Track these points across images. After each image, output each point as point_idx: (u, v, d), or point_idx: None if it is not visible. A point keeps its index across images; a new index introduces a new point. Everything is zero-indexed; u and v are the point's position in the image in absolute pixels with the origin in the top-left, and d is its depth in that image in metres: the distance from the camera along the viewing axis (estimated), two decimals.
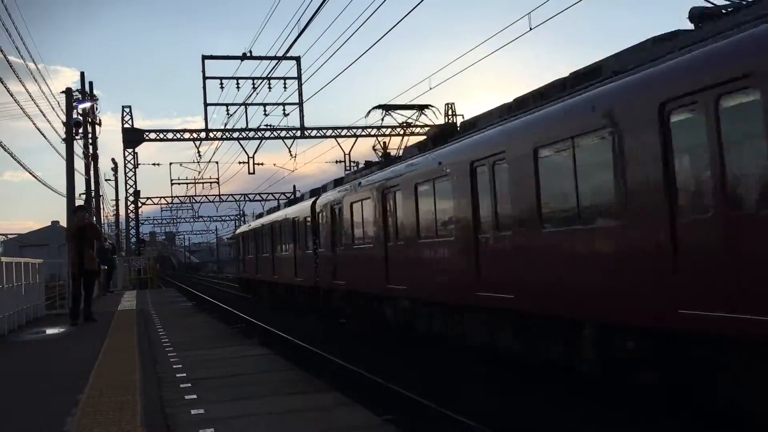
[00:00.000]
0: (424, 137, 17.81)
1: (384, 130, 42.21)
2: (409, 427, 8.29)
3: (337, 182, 20.69)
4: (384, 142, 20.25)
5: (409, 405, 9.27)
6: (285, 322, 20.62)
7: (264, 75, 33.98)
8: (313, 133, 41.21)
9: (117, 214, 58.25)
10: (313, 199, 22.03)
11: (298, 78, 36.42)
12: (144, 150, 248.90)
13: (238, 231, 42.04)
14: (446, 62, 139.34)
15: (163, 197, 65.64)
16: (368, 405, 7.67)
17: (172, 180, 58.35)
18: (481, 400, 9.37)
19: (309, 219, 22.15)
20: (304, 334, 16.80)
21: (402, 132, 42.07)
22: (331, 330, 18.98)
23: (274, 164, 65.91)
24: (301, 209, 23.67)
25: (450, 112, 44.62)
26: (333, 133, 42.01)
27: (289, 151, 42.04)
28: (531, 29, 16.05)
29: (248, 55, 33.08)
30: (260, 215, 37.34)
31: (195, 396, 7.44)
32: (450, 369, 11.76)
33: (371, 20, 16.57)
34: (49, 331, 15.21)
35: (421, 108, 18.78)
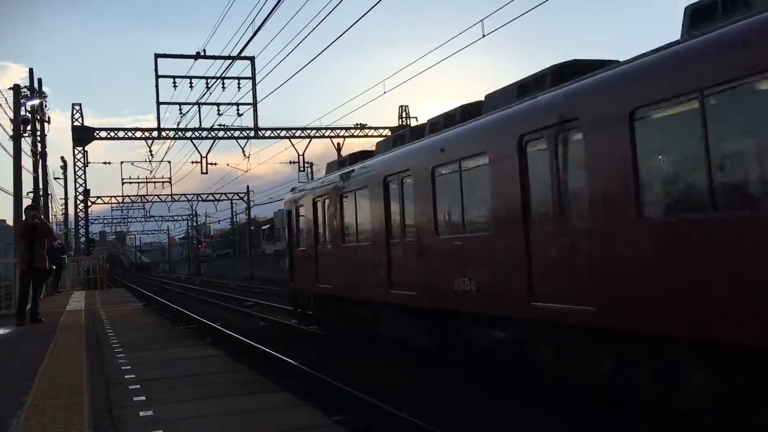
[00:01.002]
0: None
1: (339, 131, 42.53)
2: (359, 427, 8.35)
3: None
4: None
5: (361, 406, 9.32)
6: (244, 325, 20.45)
7: (218, 74, 33.71)
8: (267, 133, 41.03)
9: (66, 213, 57.20)
10: None
11: (252, 78, 36.18)
12: (94, 148, 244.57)
13: (306, 187, 19.67)
14: (402, 65, 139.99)
15: (114, 196, 64.86)
16: (320, 406, 7.69)
17: (123, 179, 57.56)
18: (459, 405, 9.44)
19: None
20: (266, 339, 16.72)
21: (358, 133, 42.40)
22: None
23: (228, 164, 65.54)
24: None
25: (404, 115, 44.89)
26: (287, 134, 41.92)
27: (243, 152, 41.84)
28: (484, 36, 16.32)
29: (202, 54, 32.74)
30: (365, 154, 16.23)
31: (144, 397, 7.36)
32: (436, 375, 11.71)
33: (326, 22, 16.66)
34: None
35: None
